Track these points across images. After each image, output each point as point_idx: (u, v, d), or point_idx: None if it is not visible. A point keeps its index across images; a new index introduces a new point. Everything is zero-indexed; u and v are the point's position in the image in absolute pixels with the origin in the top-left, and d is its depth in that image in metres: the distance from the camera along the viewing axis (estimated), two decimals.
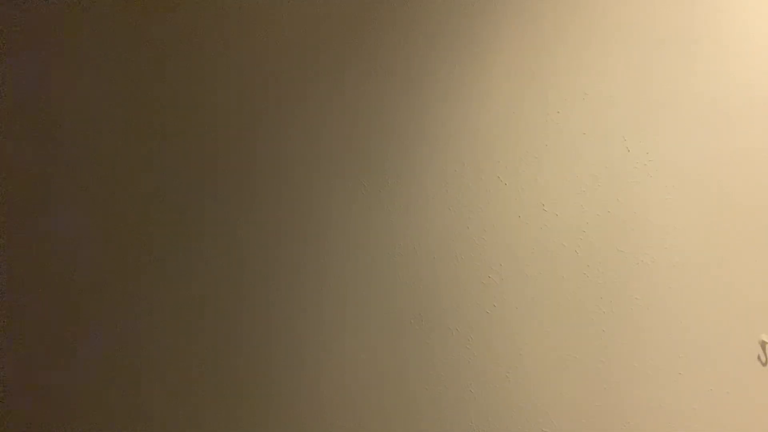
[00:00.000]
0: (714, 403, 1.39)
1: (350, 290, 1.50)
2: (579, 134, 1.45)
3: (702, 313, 1.41)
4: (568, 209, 1.46)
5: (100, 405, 1.46)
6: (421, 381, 1.49)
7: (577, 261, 1.45)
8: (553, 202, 1.46)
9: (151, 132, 1.45)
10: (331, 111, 1.47)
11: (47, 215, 1.45)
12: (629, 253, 1.44)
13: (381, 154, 1.49)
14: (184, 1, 1.46)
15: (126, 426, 1.47)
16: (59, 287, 1.48)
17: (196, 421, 1.48)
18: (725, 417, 1.39)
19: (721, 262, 1.40)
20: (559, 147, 1.46)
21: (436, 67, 1.47)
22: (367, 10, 1.46)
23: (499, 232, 1.47)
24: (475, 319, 1.47)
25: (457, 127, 1.47)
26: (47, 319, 1.47)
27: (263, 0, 1.48)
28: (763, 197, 1.39)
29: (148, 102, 1.45)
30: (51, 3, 1.40)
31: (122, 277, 1.47)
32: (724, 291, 1.40)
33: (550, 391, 1.46)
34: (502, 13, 1.46)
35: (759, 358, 1.38)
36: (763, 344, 1.38)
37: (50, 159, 1.44)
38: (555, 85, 1.46)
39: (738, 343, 1.38)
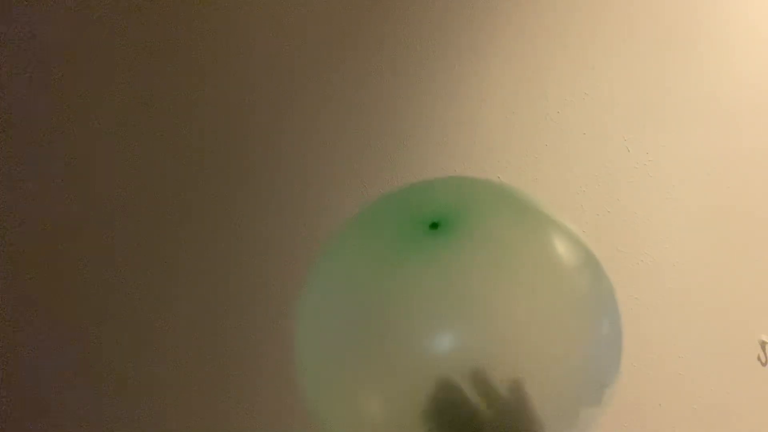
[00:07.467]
0: (714, 403, 1.39)
1: None
2: (579, 134, 1.45)
3: (702, 313, 1.41)
4: (568, 209, 1.45)
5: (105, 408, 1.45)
6: None
7: None
8: (553, 202, 1.46)
9: (149, 128, 1.44)
10: (330, 110, 1.46)
11: (45, 211, 1.44)
12: (629, 253, 1.44)
13: (380, 153, 1.48)
14: None
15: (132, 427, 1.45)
16: (56, 286, 1.46)
17: (187, 420, 1.47)
18: (725, 417, 1.39)
19: (722, 262, 1.40)
20: (559, 147, 1.46)
21: (436, 66, 1.46)
22: (366, 8, 1.45)
23: None
24: None
25: (456, 127, 1.47)
26: (47, 317, 1.45)
27: None
28: (763, 197, 1.40)
29: (147, 99, 1.44)
30: (51, 2, 1.39)
31: (116, 276, 1.45)
32: (724, 291, 1.40)
33: None
34: (501, 12, 1.46)
35: (759, 358, 1.38)
36: (762, 344, 1.38)
37: (48, 155, 1.43)
38: (555, 85, 1.45)
39: (738, 343, 1.39)
